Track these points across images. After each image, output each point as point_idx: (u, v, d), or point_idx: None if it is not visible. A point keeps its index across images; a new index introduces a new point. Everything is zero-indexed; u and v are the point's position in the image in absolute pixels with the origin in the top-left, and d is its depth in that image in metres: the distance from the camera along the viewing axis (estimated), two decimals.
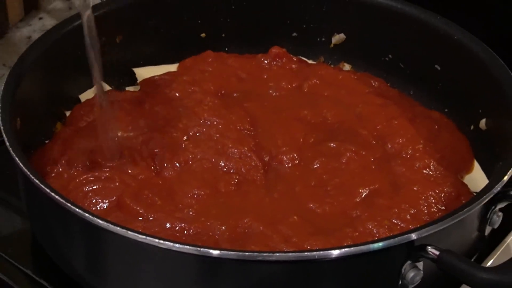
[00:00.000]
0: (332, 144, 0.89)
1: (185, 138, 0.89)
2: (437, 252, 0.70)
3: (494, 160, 0.86)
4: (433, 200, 0.83)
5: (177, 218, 0.79)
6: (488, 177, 0.89)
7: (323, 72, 1.02)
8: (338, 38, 1.06)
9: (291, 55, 1.05)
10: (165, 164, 0.86)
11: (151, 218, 0.79)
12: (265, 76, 1.02)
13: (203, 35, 1.06)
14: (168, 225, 0.78)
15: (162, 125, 0.91)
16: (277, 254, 0.69)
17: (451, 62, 0.97)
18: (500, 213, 0.79)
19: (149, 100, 0.95)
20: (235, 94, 0.98)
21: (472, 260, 0.80)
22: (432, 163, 0.88)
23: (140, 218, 0.79)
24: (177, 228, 0.78)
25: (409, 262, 0.72)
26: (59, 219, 0.76)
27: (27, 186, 0.79)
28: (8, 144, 0.77)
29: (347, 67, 1.06)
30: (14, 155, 0.76)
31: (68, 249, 0.77)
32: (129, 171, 0.85)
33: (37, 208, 0.80)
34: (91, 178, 0.83)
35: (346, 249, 0.69)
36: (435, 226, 0.71)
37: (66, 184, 0.83)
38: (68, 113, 0.94)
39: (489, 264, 0.83)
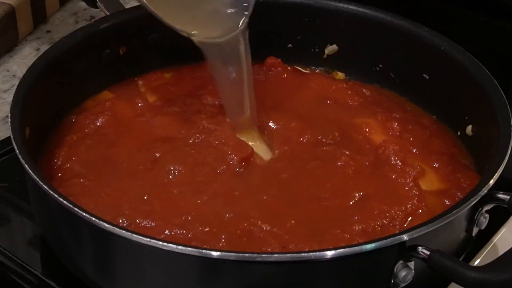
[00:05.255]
0: (327, 148, 0.89)
1: (185, 145, 0.88)
2: (427, 252, 0.70)
3: (480, 164, 0.86)
4: (423, 203, 0.83)
5: (175, 224, 0.78)
6: None
7: (317, 81, 1.02)
8: (331, 49, 1.06)
9: (286, 65, 1.05)
10: (166, 169, 0.85)
11: (151, 225, 0.78)
12: (261, 85, 1.01)
13: None
14: (167, 232, 0.77)
15: (162, 133, 0.90)
16: (276, 255, 0.69)
17: (439, 72, 0.97)
18: (486, 215, 0.79)
19: (149, 110, 0.94)
20: None
21: (460, 259, 0.80)
22: (424, 168, 0.87)
23: (139, 224, 0.78)
24: (175, 235, 0.77)
25: (401, 261, 0.71)
26: (66, 223, 0.75)
27: (36, 191, 0.79)
28: (18, 151, 0.76)
29: (340, 76, 1.06)
30: (23, 162, 0.75)
31: (75, 251, 0.77)
32: (130, 177, 0.84)
33: (45, 212, 0.80)
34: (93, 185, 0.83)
35: (341, 250, 0.69)
36: (425, 228, 0.71)
37: (72, 189, 0.82)
38: (74, 121, 0.94)
39: (476, 263, 0.82)
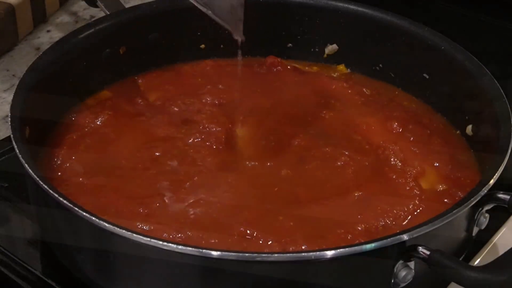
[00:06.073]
0: (327, 149, 0.89)
1: (185, 145, 0.88)
2: (427, 252, 0.70)
3: (480, 163, 0.86)
4: (424, 203, 0.82)
5: (173, 228, 0.77)
6: None
7: (317, 80, 1.02)
8: (331, 48, 1.06)
9: (286, 64, 1.05)
10: (165, 169, 0.85)
11: (150, 229, 0.78)
12: (260, 84, 1.01)
13: (202, 46, 1.05)
14: (165, 235, 0.77)
15: (162, 133, 0.90)
16: (276, 255, 0.69)
17: (439, 71, 0.97)
18: (487, 215, 0.79)
19: (149, 109, 0.94)
20: (233, 102, 0.98)
21: (460, 259, 0.79)
22: (424, 167, 0.87)
23: (137, 227, 0.78)
24: (173, 239, 0.76)
25: (401, 261, 0.71)
26: (66, 222, 0.75)
27: (36, 191, 0.79)
28: (17, 151, 0.76)
29: (342, 68, 1.06)
30: (24, 161, 0.75)
31: (75, 251, 0.76)
32: (129, 176, 0.84)
33: (45, 212, 0.79)
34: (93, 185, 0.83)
35: (341, 250, 0.69)
36: (425, 227, 0.71)
37: (72, 189, 0.82)
38: (74, 120, 0.94)
39: (476, 263, 0.82)
